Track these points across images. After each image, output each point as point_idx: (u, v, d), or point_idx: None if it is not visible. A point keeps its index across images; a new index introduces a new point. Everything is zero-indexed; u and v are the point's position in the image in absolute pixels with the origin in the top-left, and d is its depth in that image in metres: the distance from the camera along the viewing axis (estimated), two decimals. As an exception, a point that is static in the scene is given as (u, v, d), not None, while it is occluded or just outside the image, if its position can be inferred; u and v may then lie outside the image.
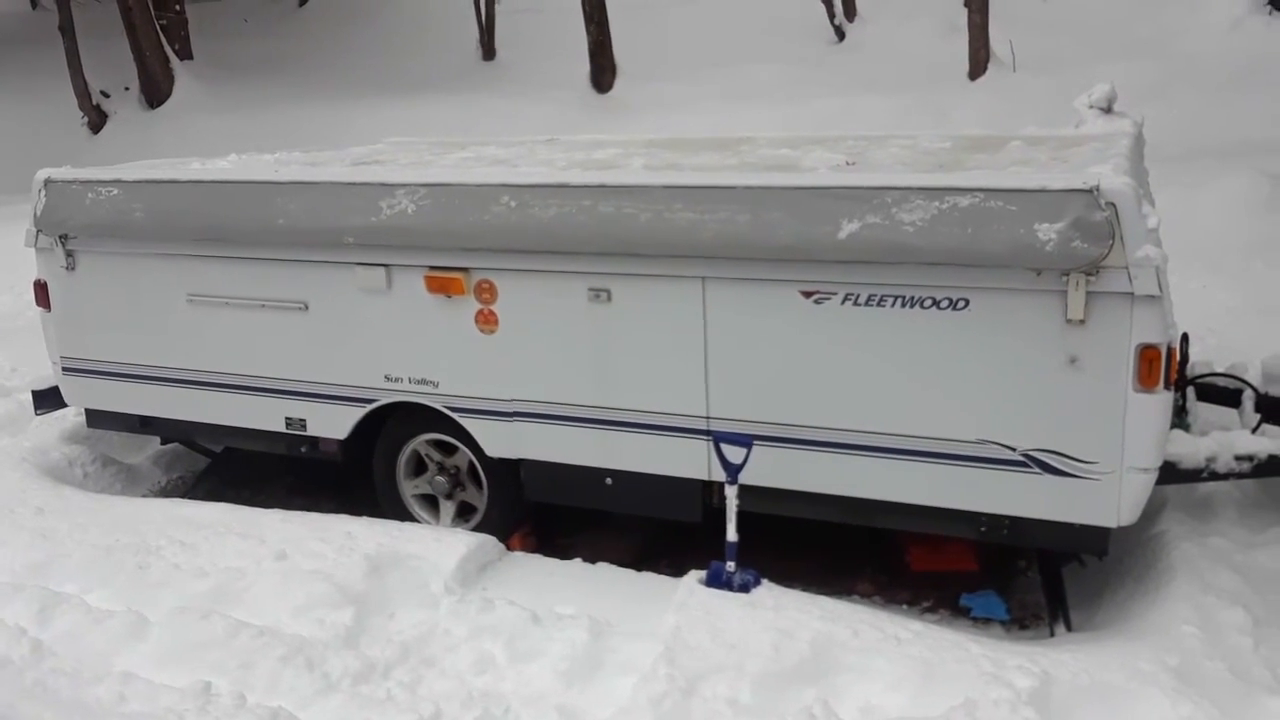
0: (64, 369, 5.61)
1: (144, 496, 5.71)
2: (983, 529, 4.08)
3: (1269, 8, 12.71)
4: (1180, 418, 4.66)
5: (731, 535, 3.98)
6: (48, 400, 5.80)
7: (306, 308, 4.92)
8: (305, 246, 4.80)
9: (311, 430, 5.09)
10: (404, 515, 5.04)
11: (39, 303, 5.59)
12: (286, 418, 5.11)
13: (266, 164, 5.62)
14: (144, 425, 5.57)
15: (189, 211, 4.98)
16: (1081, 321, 3.70)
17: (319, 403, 5.02)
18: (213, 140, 11.86)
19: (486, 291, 4.57)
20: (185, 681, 3.63)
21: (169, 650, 3.82)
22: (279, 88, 17.10)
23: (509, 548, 4.67)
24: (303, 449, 5.18)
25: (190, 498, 5.49)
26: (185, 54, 18.46)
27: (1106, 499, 3.82)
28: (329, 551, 4.30)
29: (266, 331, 5.03)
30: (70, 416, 5.99)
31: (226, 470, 6.05)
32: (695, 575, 4.03)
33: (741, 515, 4.01)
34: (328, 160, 5.72)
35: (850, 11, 15.57)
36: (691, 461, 4.39)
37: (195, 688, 3.58)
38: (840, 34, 15.36)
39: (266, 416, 5.15)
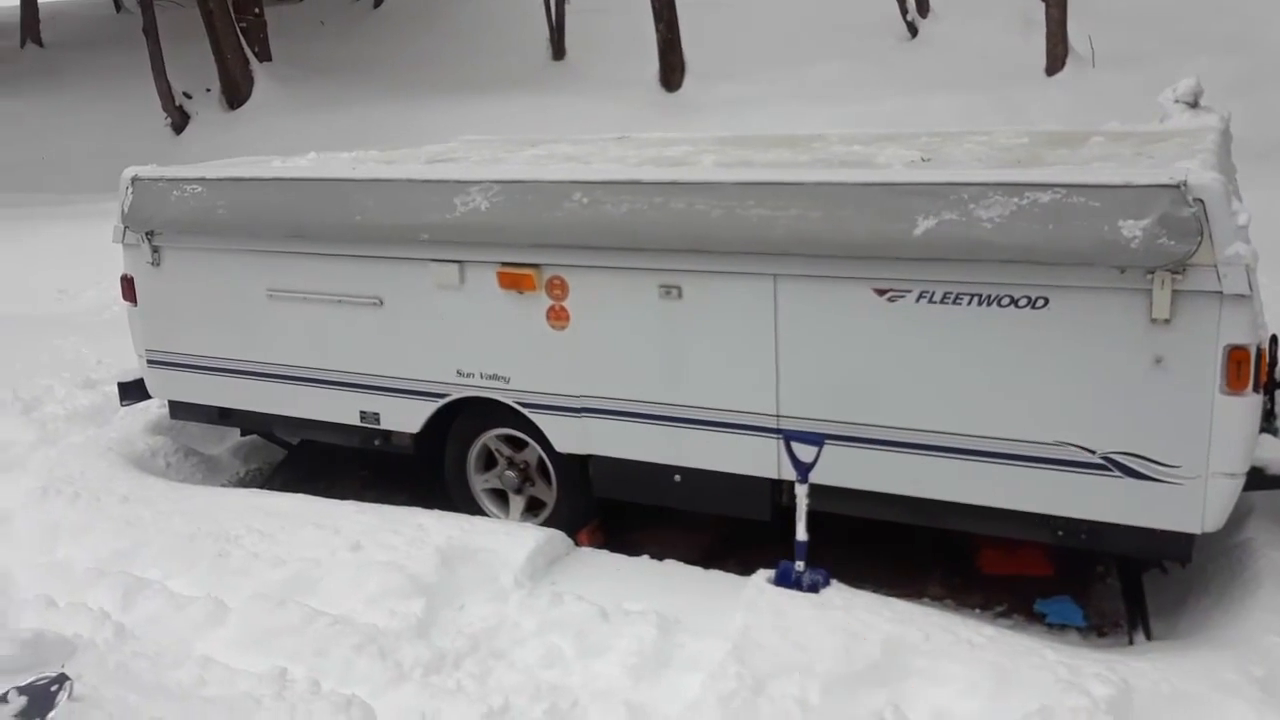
0: (149, 362, 5.78)
1: (223, 486, 5.86)
2: (1059, 533, 3.99)
3: (1363, -1, 12.25)
4: (1269, 422, 4.51)
5: (801, 534, 3.95)
6: (133, 392, 5.98)
7: (381, 303, 5.00)
8: (381, 243, 4.88)
9: (385, 424, 5.17)
10: (474, 509, 5.09)
11: (125, 297, 5.77)
12: (361, 411, 5.20)
13: (344, 162, 5.73)
14: (224, 417, 5.71)
15: (270, 208, 5.10)
16: (1167, 321, 3.60)
17: (393, 397, 5.10)
18: (291, 140, 12.13)
19: (558, 288, 4.59)
20: (262, 667, 3.72)
21: (247, 636, 3.91)
22: (355, 88, 17.42)
23: (577, 543, 4.69)
24: (376, 442, 5.27)
25: (267, 488, 5.62)
26: (264, 56, 18.91)
27: (1191, 504, 3.71)
28: (401, 543, 4.37)
29: (342, 326, 5.12)
30: (154, 408, 6.16)
31: (302, 462, 6.18)
32: (764, 574, 4.01)
33: (811, 514, 3.98)
34: (403, 158, 5.81)
35: (923, 7, 15.36)
36: (761, 460, 4.37)
37: (272, 673, 3.66)
38: (913, 30, 15.15)
39: (342, 410, 5.25)
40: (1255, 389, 3.64)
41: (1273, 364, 4.67)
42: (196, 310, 5.53)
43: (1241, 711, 3.17)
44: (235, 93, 18.08)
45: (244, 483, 6.08)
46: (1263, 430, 4.12)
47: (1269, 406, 4.57)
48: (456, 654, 3.80)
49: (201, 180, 5.32)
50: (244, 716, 3.51)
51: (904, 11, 15.13)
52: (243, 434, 6.27)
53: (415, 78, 17.44)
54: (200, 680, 3.72)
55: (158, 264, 5.56)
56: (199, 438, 6.24)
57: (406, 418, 5.10)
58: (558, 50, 17.52)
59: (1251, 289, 3.54)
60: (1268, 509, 4.42)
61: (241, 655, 3.82)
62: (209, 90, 18.52)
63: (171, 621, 4.08)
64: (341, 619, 3.93)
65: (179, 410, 5.86)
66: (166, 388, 5.81)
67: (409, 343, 4.99)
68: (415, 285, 4.89)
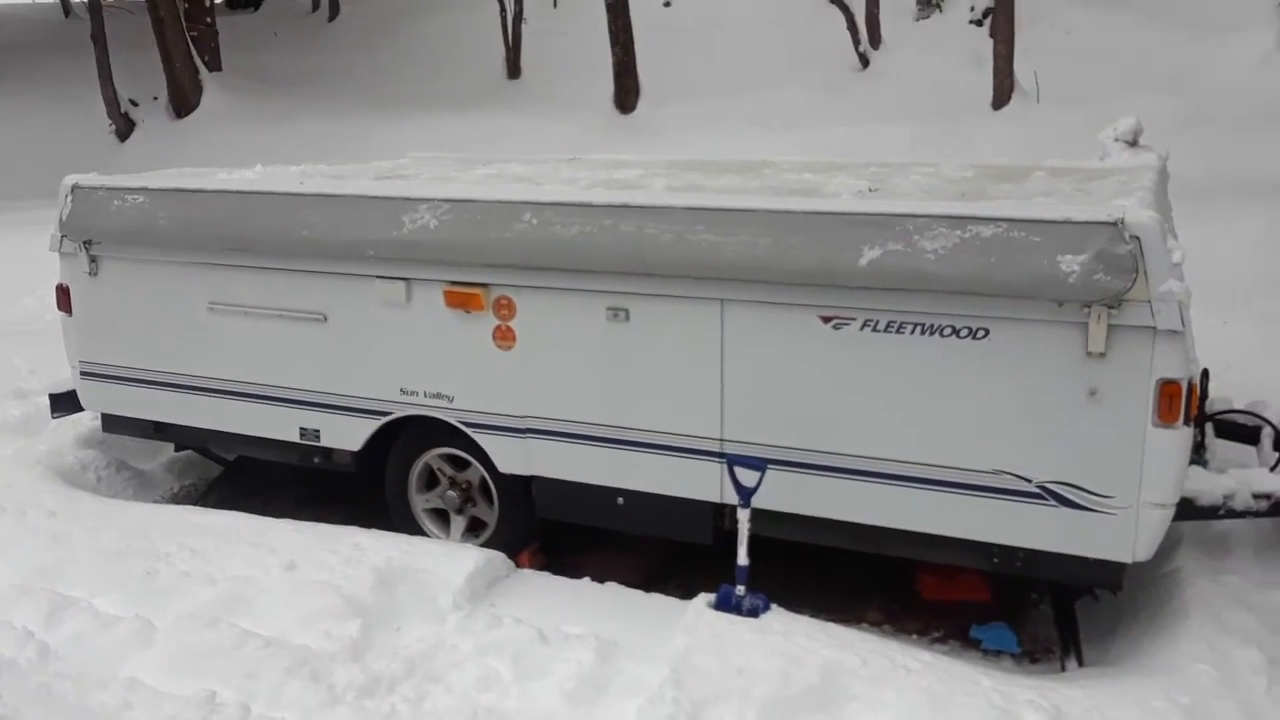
0: (82, 373, 5.65)
1: (156, 502, 5.73)
2: (995, 560, 4.04)
3: (1297, 45, 12.67)
4: (1198, 454, 4.61)
5: (742, 559, 3.96)
6: (64, 404, 5.83)
7: (325, 319, 4.94)
8: (326, 258, 4.83)
9: (325, 441, 5.09)
10: (415, 529, 5.03)
11: (60, 306, 5.64)
12: (301, 428, 5.12)
13: (291, 176, 5.66)
14: (158, 431, 5.59)
15: (213, 221, 5.02)
16: (1102, 354, 3.67)
17: (334, 414, 5.03)
18: (239, 151, 11.96)
19: (505, 308, 4.57)
20: (190, 690, 3.63)
21: (175, 658, 3.81)
22: (306, 101, 17.26)
23: (518, 565, 4.65)
24: (316, 460, 5.19)
25: (202, 505, 5.50)
26: (215, 65, 18.66)
27: (1122, 534, 3.78)
28: (337, 563, 4.29)
29: (284, 342, 5.05)
30: (86, 420, 6.02)
31: (238, 479, 6.07)
32: (704, 598, 4.00)
33: (752, 539, 3.98)
34: (352, 173, 5.76)
35: (875, 39, 15.60)
36: (704, 484, 4.37)
37: (200, 696, 3.57)
38: (864, 61, 15.39)
39: (281, 426, 5.16)
40: (1186, 422, 3.72)
41: (1203, 398, 4.79)
42: (133, 322, 5.41)
43: (1169, 739, 3.22)
44: (183, 102, 17.80)
45: (177, 499, 5.95)
46: (1193, 462, 4.22)
47: (1199, 439, 4.68)
48: (391, 677, 3.74)
49: (143, 190, 5.23)
50: (169, 740, 3.42)
51: (856, 43, 15.36)
52: (177, 449, 6.14)
53: (369, 93, 17.33)
54: (125, 703, 3.62)
55: (95, 274, 5.45)
56: (132, 452, 6.10)
57: (347, 435, 5.03)
58: (513, 69, 17.52)
59: (1184, 325, 3.63)
60: (1196, 539, 4.52)
61: (169, 677, 3.72)
62: (156, 98, 18.22)
63: (97, 641, 3.96)
64: (274, 640, 3.85)
65: (112, 424, 5.72)
66: (100, 400, 5.68)
67: (352, 359, 4.93)
68: (360, 302, 4.84)
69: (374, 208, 4.71)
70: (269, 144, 14.09)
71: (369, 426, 4.97)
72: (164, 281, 5.28)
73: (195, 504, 5.67)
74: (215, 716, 3.48)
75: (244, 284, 5.09)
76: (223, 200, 5.05)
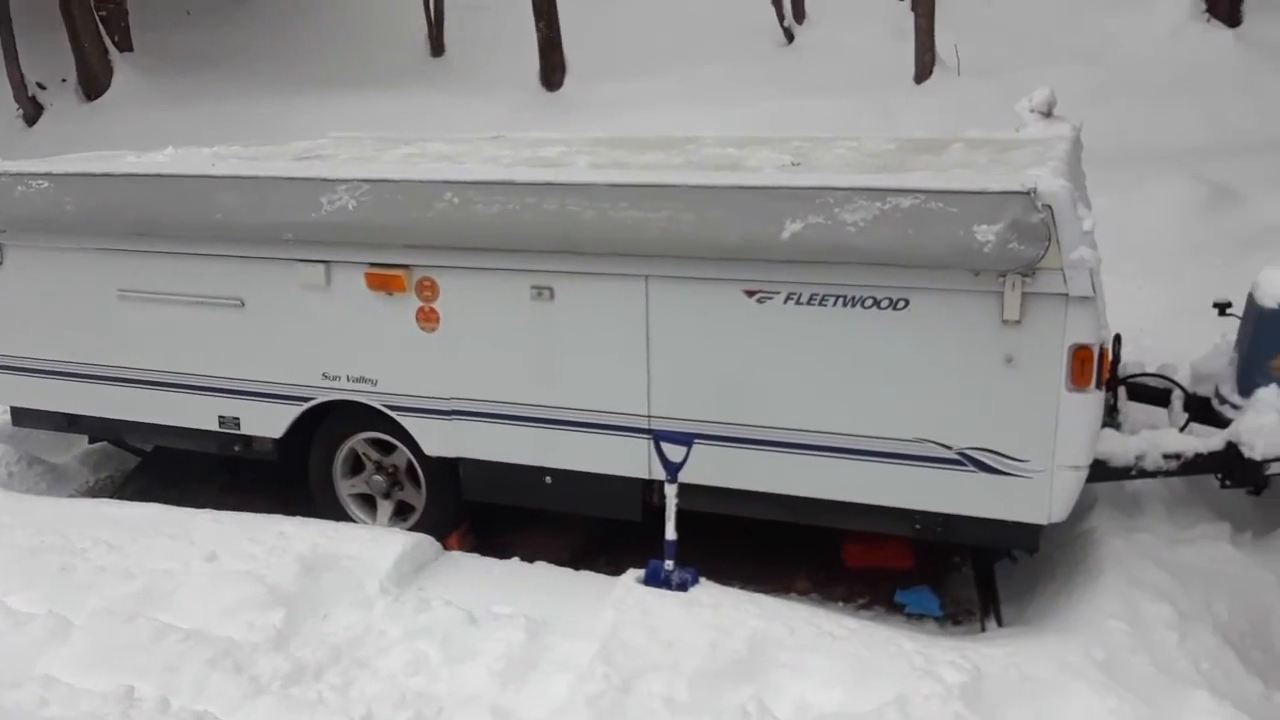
0: (-11, 366, 5.46)
1: (70, 496, 5.58)
2: (917, 526, 4.12)
3: (1207, 15, 12.99)
4: (1111, 416, 4.75)
5: (670, 534, 3.98)
6: (-28, 398, 5.64)
7: (243, 304, 4.83)
8: (242, 242, 4.72)
9: (245, 429, 5.00)
10: (341, 515, 4.97)
11: (-36, 297, 5.43)
12: (220, 416, 5.01)
13: (203, 158, 5.52)
14: (71, 424, 5.44)
15: (122, 206, 4.87)
16: (1017, 322, 3.75)
17: (254, 401, 4.93)
18: (152, 134, 11.60)
19: (428, 289, 4.52)
20: (108, 685, 3.53)
21: (92, 653, 3.71)
22: (222, 81, 16.79)
23: (447, 547, 4.62)
24: (236, 448, 5.09)
25: (119, 498, 5.37)
26: (125, 45, 18.05)
27: (1038, 496, 3.88)
28: (260, 552, 4.22)
29: (200, 328, 4.93)
30: (-5, 415, 5.83)
31: (157, 470, 5.93)
32: (633, 574, 4.02)
33: (681, 514, 4.00)
34: (267, 155, 5.62)
35: (799, 13, 15.65)
36: (632, 460, 4.38)
37: (118, 692, 3.48)
38: (789, 35, 15.44)
39: (199, 415, 5.05)
40: (1098, 386, 3.82)
41: (1115, 362, 4.93)
42: (42, 312, 5.24)
43: (1084, 693, 3.32)
44: (93, 84, 17.20)
45: (94, 492, 5.80)
46: (1105, 425, 4.34)
47: (1112, 402, 4.81)
48: (318, 665, 3.69)
49: (48, 175, 5.05)
50: (88, 738, 3.33)
51: (781, 17, 15.39)
52: (91, 441, 5.98)
53: (287, 72, 16.91)
54: (41, 700, 3.50)
55: (0, 263, 5.25)
56: (44, 445, 5.93)
57: (269, 422, 4.94)
58: (436, 47, 17.23)
59: (1095, 291, 3.72)
60: (1110, 499, 4.65)
61: (86, 674, 3.62)
62: (65, 81, 17.57)
63: (10, 640, 3.84)
64: (195, 633, 3.77)
65: (22, 417, 5.55)
66: (9, 393, 5.50)
67: (272, 345, 4.84)
68: (279, 286, 4.74)
69: (290, 189, 4.61)
70: (185, 126, 13.70)
71: (291, 413, 4.88)
72: (72, 269, 5.12)
73: (112, 497, 5.51)
74: (134, 712, 3.40)
75: (156, 270, 4.95)
76: (131, 184, 4.89)
